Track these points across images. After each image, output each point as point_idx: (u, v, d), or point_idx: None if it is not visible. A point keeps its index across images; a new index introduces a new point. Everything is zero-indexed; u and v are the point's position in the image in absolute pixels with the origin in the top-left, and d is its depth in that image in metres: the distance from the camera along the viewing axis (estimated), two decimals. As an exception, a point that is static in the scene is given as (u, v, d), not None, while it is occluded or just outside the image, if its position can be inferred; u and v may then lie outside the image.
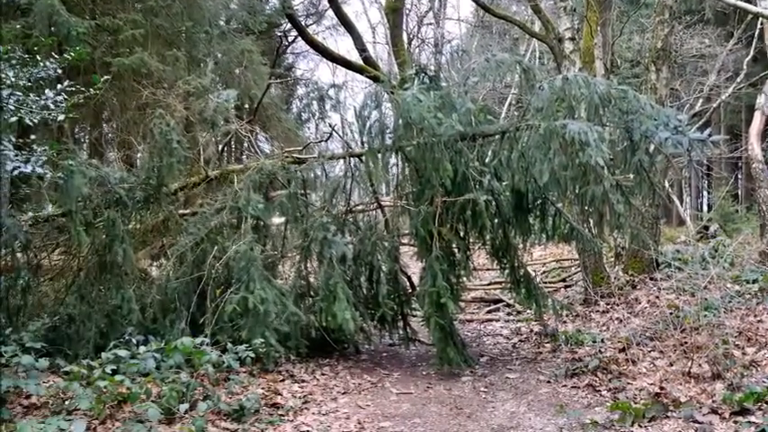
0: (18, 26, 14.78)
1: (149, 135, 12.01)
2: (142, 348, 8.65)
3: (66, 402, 7.77)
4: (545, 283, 19.10)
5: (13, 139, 8.94)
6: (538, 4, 18.86)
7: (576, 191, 10.13)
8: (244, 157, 28.49)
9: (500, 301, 18.09)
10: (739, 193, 40.59)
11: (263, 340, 9.84)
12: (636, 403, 8.37)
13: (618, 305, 13.66)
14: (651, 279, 14.04)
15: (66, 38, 15.72)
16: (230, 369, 9.11)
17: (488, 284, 19.81)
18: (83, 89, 9.84)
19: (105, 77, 11.52)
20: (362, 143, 11.97)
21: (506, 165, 10.81)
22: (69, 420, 6.98)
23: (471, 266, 11.92)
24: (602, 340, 11.65)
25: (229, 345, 9.33)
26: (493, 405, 9.25)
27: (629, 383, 9.39)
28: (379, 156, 11.42)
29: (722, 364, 9.00)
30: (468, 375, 10.89)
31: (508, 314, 16.81)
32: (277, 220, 12.76)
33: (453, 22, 59.11)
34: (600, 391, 9.48)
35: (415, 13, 50.49)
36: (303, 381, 10.15)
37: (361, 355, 12.42)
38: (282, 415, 8.42)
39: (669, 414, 7.99)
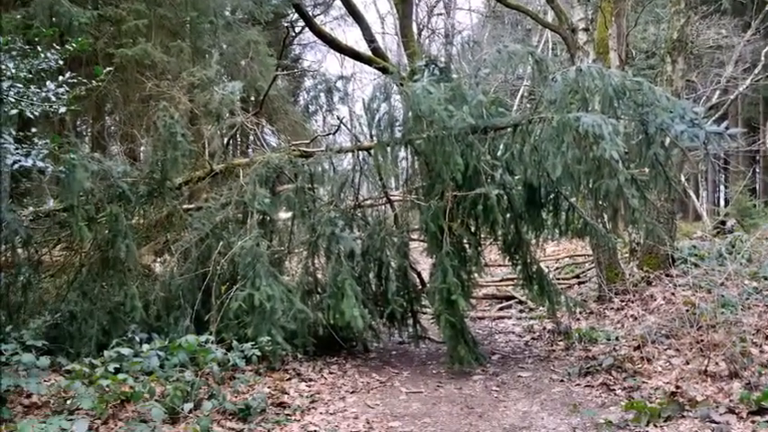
0: (18, 16, 14.80)
1: (153, 128, 12.03)
2: (145, 346, 8.66)
3: (68, 402, 7.79)
4: (558, 279, 19.05)
5: (14, 132, 8.94)
6: (551, -6, 18.82)
7: (590, 185, 10.10)
8: (250, 150, 28.57)
9: (512, 297, 18.09)
10: (757, 187, 40.55)
11: (269, 338, 9.84)
12: (651, 402, 8.36)
13: (633, 302, 13.63)
14: (667, 275, 14.02)
15: (68, 28, 15.77)
16: (236, 367, 9.12)
17: (500, 281, 19.80)
18: (85, 81, 9.84)
19: (108, 69, 11.55)
20: (371, 136, 11.97)
21: (518, 158, 10.80)
22: (71, 420, 6.98)
23: (483, 262, 11.89)
24: (617, 338, 11.65)
25: (235, 343, 9.35)
26: (505, 404, 9.24)
27: (644, 382, 9.38)
28: (389, 149, 11.41)
29: (739, 362, 8.98)
30: (480, 374, 10.88)
31: (520, 311, 16.81)
32: (284, 215, 12.77)
33: (464, 13, 59.26)
34: (614, 390, 9.47)
35: (425, 3, 50.58)
36: (310, 379, 10.16)
37: (370, 354, 12.43)
38: (289, 414, 8.42)
39: (685, 414, 7.97)
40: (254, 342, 9.53)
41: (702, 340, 9.83)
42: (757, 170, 41.39)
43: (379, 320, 12.32)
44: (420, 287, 12.82)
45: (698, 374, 9.12)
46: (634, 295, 14.01)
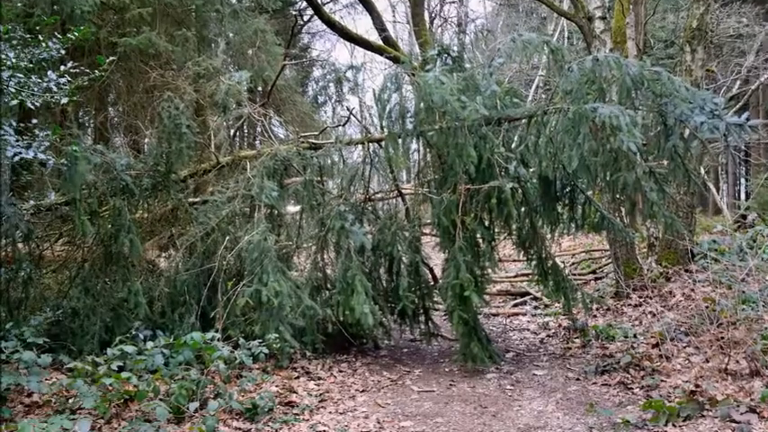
0: (19, 4, 14.78)
1: (157, 119, 12.03)
2: (150, 344, 8.67)
3: (70, 401, 7.81)
4: (574, 275, 19.05)
5: (14, 124, 8.93)
6: (567, -19, 18.80)
7: (607, 178, 10.08)
8: (257, 142, 28.56)
9: (527, 294, 18.08)
10: (779, 179, 40.39)
11: (277, 335, 9.84)
12: (670, 402, 8.34)
13: (651, 298, 13.60)
14: (686, 271, 14.00)
15: (70, 16, 15.74)
16: (243, 366, 9.13)
17: (514, 276, 19.80)
18: (87, 71, 9.83)
19: (111, 58, 11.54)
20: (382, 128, 11.94)
21: (533, 150, 10.76)
22: (73, 419, 7.00)
23: (496, 257, 11.86)
24: (635, 335, 11.63)
25: (242, 340, 9.35)
26: (519, 404, 9.22)
27: (662, 381, 9.37)
28: (400, 141, 11.38)
29: (761, 360, 8.95)
30: (494, 372, 10.88)
31: (535, 308, 16.80)
32: (292, 208, 12.78)
33: (477, 0, 59.20)
34: (632, 388, 9.46)
35: (437, -10, 50.47)
36: (319, 378, 10.16)
37: (381, 351, 12.43)
38: (298, 414, 8.42)
39: (705, 413, 7.95)
40: (261, 339, 9.53)
41: (723, 337, 9.81)
42: (779, 162, 41.29)
43: (390, 317, 12.30)
44: (432, 283, 12.80)
45: (718, 373, 9.10)
46: (652, 291, 13.97)
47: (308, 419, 8.31)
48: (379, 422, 8.39)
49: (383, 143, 11.84)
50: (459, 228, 10.63)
